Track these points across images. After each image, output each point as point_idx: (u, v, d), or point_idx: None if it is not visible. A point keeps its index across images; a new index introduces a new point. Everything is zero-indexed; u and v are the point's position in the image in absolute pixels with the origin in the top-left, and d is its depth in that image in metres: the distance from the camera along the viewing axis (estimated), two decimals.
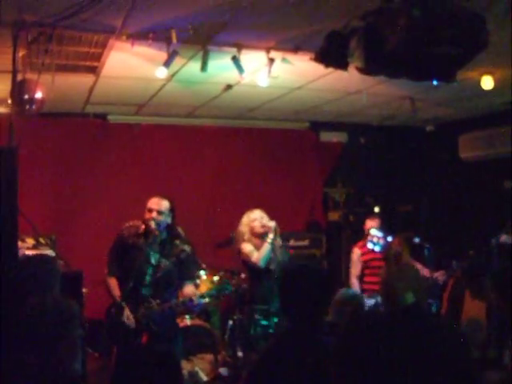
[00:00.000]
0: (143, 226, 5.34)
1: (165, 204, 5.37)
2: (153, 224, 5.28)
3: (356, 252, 7.18)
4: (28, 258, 4.51)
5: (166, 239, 5.40)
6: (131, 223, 5.41)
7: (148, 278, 5.25)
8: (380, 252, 6.56)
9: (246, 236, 6.28)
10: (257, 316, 6.03)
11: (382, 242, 6.40)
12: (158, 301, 5.26)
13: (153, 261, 5.28)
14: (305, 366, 2.77)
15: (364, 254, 7.08)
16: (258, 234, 6.23)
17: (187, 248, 5.52)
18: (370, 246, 6.55)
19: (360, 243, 7.22)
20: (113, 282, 5.26)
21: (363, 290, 6.88)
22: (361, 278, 7.04)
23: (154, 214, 5.29)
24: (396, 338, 2.14)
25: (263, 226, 6.19)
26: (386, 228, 6.87)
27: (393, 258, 6.60)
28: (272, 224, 6.17)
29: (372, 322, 2.24)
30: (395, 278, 2.82)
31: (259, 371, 2.98)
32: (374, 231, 6.48)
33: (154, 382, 2.33)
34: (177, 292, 5.52)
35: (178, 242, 5.43)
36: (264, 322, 6.01)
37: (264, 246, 6.13)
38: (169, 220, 5.39)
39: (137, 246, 5.27)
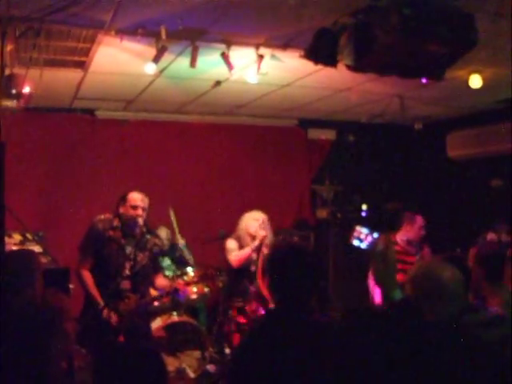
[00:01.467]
0: (117, 220, 5.29)
1: (147, 201, 5.35)
2: (140, 221, 5.26)
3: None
4: (7, 253, 4.48)
5: (139, 233, 5.36)
6: (103, 217, 5.33)
7: (126, 272, 5.21)
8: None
9: (240, 231, 6.46)
10: (231, 312, 6.08)
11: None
12: (138, 295, 5.26)
13: (129, 254, 5.24)
14: (291, 347, 2.70)
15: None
16: (250, 234, 6.38)
17: (158, 242, 5.56)
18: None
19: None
20: (88, 278, 5.15)
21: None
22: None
23: (140, 212, 5.26)
24: (383, 335, 2.13)
25: (255, 232, 6.35)
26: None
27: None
28: (262, 233, 6.29)
29: (364, 319, 2.23)
30: (382, 276, 2.77)
31: (243, 353, 2.89)
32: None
33: (140, 379, 2.31)
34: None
35: (149, 236, 5.41)
36: (240, 320, 6.05)
37: (245, 249, 6.30)
38: (145, 215, 5.40)
39: (113, 240, 5.22)
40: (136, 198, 5.30)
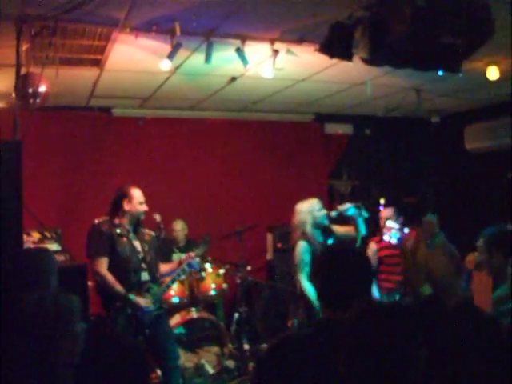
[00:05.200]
0: (118, 218, 5.25)
1: None
2: (143, 216, 5.33)
3: (372, 247, 6.87)
4: (22, 251, 4.48)
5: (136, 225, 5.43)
6: (101, 219, 5.27)
7: (143, 265, 5.26)
8: (397, 244, 6.33)
9: (308, 228, 5.63)
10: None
11: (398, 233, 6.23)
12: (157, 283, 5.34)
13: (139, 248, 5.29)
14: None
15: (380, 250, 6.85)
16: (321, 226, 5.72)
17: (152, 232, 5.56)
18: (386, 238, 6.35)
19: (376, 238, 6.96)
20: (111, 276, 5.11)
21: (378, 288, 6.66)
22: (376, 275, 6.72)
23: (146, 207, 5.33)
24: (409, 332, 2.10)
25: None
26: (400, 217, 6.73)
27: (409, 250, 6.44)
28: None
29: (382, 315, 2.19)
30: (412, 272, 2.69)
31: (270, 359, 2.62)
32: (391, 223, 6.33)
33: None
34: None
35: (141, 228, 5.44)
36: None
37: None
38: None
39: (123, 236, 5.22)
40: (140, 193, 5.34)
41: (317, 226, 5.65)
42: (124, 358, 2.28)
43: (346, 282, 2.74)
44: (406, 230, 6.26)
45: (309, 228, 5.60)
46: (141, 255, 5.26)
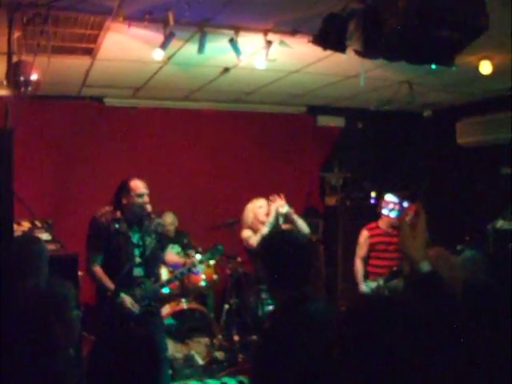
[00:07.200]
0: (119, 212, 5.17)
1: (146, 185, 5.26)
2: (149, 208, 5.22)
3: (363, 234, 6.90)
4: (13, 239, 4.46)
5: (141, 218, 5.29)
6: (103, 210, 5.19)
7: (137, 260, 5.16)
8: (396, 218, 6.36)
9: (250, 221, 6.38)
10: (264, 296, 5.97)
11: (397, 208, 6.20)
12: (152, 279, 5.25)
13: (136, 241, 5.18)
14: (303, 337, 2.68)
15: (372, 237, 6.83)
16: (260, 221, 6.29)
17: (160, 221, 5.52)
18: (385, 212, 6.31)
19: (371, 225, 6.93)
20: (100, 272, 5.05)
21: (367, 273, 6.77)
22: (366, 261, 6.84)
23: (147, 199, 5.19)
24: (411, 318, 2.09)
25: (267, 214, 6.27)
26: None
27: (408, 225, 6.45)
28: (272, 207, 6.24)
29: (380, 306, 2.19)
30: (410, 248, 2.62)
31: (264, 357, 2.81)
32: (390, 197, 6.28)
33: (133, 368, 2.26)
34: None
35: (151, 219, 5.32)
36: (271, 302, 5.91)
37: (262, 229, 6.14)
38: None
39: (120, 233, 5.11)
40: (139, 185, 5.17)
41: (259, 221, 6.34)
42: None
43: (291, 265, 2.96)
44: (406, 204, 6.24)
45: (251, 222, 6.41)
46: (139, 250, 5.18)
